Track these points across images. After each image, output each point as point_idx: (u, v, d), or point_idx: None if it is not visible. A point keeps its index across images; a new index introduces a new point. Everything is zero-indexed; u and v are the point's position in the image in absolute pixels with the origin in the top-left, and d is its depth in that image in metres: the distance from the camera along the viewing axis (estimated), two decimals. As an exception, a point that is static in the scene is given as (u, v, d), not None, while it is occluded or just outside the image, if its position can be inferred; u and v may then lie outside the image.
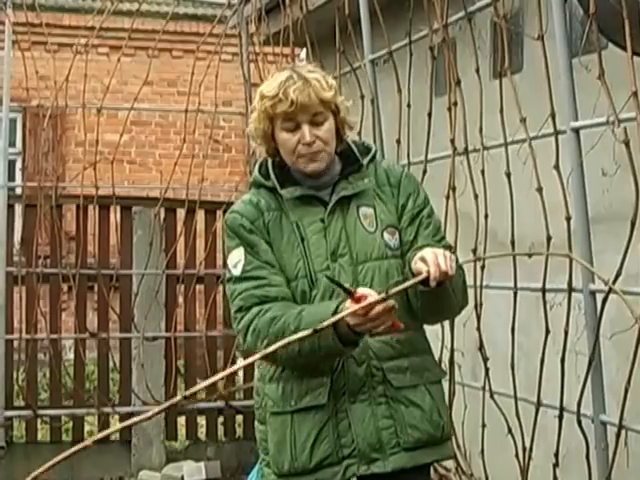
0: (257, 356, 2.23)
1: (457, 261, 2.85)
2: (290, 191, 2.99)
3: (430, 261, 2.67)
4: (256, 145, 3.08)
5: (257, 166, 3.09)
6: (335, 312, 2.69)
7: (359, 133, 5.19)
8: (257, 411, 3.06)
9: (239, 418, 7.33)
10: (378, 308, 2.63)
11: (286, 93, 2.86)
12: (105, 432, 1.69)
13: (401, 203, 3.01)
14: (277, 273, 2.93)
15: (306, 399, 2.90)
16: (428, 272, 2.67)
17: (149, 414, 1.72)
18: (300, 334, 2.34)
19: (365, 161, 3.05)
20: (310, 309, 2.84)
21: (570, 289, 3.86)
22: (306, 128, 2.90)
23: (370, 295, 2.64)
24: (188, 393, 1.82)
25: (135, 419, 1.72)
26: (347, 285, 2.72)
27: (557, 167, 3.86)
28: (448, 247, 2.96)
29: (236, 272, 2.95)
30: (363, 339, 2.80)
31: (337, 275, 2.90)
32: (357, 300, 2.64)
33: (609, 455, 3.64)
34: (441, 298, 2.82)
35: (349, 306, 2.65)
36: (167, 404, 1.77)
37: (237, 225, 2.98)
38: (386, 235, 2.96)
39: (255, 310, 2.88)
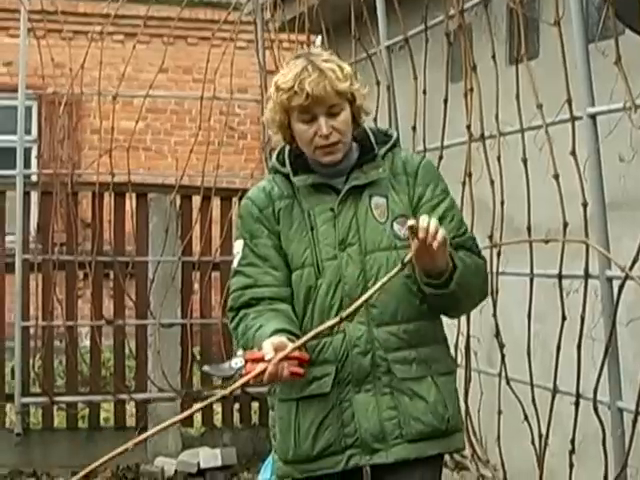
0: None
1: (479, 253, 2.92)
2: (302, 179, 2.99)
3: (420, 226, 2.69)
4: (272, 133, 3.07)
5: (276, 152, 3.09)
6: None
7: (375, 120, 5.19)
8: (269, 398, 3.10)
9: (255, 405, 7.34)
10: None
11: (302, 86, 2.84)
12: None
13: (417, 193, 2.97)
14: (269, 270, 2.95)
15: (311, 387, 2.91)
16: (411, 257, 2.73)
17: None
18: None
19: (382, 151, 3.02)
20: (258, 331, 2.87)
21: (587, 275, 3.85)
22: (322, 120, 2.89)
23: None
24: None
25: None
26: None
27: (574, 153, 3.85)
28: (472, 239, 2.98)
29: (234, 263, 3.02)
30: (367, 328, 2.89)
31: (344, 265, 2.91)
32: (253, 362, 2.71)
33: (625, 441, 3.63)
34: (444, 298, 2.85)
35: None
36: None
37: (247, 212, 3.03)
38: (396, 225, 2.94)
39: (241, 314, 2.95)
